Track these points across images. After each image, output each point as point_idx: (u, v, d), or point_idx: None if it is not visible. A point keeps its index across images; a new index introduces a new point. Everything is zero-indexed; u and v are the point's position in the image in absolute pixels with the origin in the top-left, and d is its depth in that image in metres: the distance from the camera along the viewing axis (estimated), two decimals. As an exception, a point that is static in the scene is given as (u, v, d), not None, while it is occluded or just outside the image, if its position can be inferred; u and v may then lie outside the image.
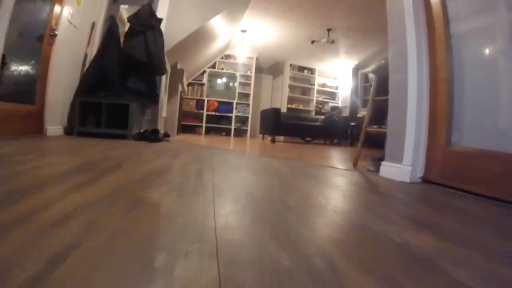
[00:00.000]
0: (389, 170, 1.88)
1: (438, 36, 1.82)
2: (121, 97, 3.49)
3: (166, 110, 4.91)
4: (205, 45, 5.82)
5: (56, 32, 3.09)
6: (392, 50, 2.01)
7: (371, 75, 8.29)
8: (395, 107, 1.92)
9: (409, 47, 1.87)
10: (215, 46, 6.52)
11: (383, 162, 1.95)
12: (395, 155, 1.86)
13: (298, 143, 6.72)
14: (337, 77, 9.12)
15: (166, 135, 3.62)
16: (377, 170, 2.15)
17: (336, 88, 9.24)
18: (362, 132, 2.36)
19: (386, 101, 2.57)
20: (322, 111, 8.64)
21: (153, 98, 3.88)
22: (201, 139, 4.99)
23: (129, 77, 3.69)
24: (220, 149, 3.12)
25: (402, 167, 1.79)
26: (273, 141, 5.86)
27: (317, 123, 6.99)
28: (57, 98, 3.24)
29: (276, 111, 6.06)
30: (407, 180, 1.76)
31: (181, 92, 5.99)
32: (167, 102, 4.87)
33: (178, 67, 5.03)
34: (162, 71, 3.78)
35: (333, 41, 5.92)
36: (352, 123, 7.00)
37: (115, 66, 3.60)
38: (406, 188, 1.58)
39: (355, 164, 2.37)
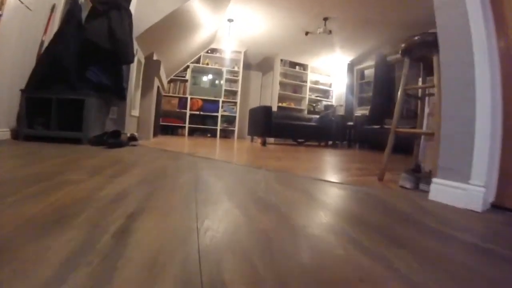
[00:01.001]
0: (447, 192, 1.24)
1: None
2: (77, 91, 2.79)
3: (140, 109, 4.21)
4: (186, 34, 5.12)
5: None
6: (443, 18, 1.38)
7: (367, 72, 7.76)
8: (453, 97, 1.29)
9: (471, 8, 1.25)
10: (198, 37, 5.83)
11: (434, 179, 1.32)
12: (456, 169, 1.23)
13: (290, 145, 6.09)
14: (331, 74, 8.53)
15: (132, 138, 2.92)
16: (415, 187, 1.53)
17: (330, 85, 8.65)
18: (390, 134, 1.73)
19: (421, 90, 1.97)
20: (316, 109, 8.03)
21: (119, 93, 3.18)
22: (181, 142, 4.29)
23: (89, 66, 2.99)
24: (199, 156, 2.45)
25: (470, 189, 1.17)
26: (263, 143, 5.21)
27: (312, 123, 6.37)
28: (1, 94, 2.52)
29: (267, 109, 5.39)
30: (478, 208, 1.13)
31: (159, 88, 5.31)
32: (140, 98, 4.17)
33: (154, 58, 4.34)
34: (129, 58, 3.08)
35: (330, 31, 5.31)
36: (350, 123, 6.41)
37: (72, 53, 2.89)
38: (488, 224, 0.96)
39: (381, 178, 1.74)
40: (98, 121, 2.96)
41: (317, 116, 6.74)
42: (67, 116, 2.79)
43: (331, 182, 1.58)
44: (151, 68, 4.30)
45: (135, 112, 3.99)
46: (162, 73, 5.17)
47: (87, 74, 2.93)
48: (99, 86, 3.02)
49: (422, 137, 1.87)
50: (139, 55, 3.91)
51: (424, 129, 1.89)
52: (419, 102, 1.89)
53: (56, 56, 2.82)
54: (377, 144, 5.57)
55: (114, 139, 2.51)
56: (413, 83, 1.89)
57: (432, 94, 1.77)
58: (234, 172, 1.70)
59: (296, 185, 1.41)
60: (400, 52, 1.73)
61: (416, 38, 1.68)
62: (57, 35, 2.92)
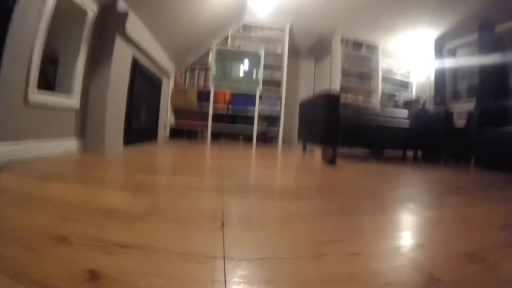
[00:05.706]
0: None
1: None
2: None
3: (88, 95, 2.19)
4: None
5: None
6: None
7: (461, 51, 5.09)
8: None
9: None
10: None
11: None
12: None
13: (364, 160, 3.69)
14: (409, 57, 5.97)
15: None
16: None
17: (408, 75, 6.07)
18: None
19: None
20: (397, 105, 5.54)
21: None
22: (165, 163, 2.18)
23: None
24: None
25: None
26: (331, 161, 2.88)
27: (395, 125, 3.90)
28: None
29: (333, 99, 3.04)
30: None
31: (137, 63, 3.32)
32: (83, 76, 2.14)
33: (118, 9, 2.30)
34: None
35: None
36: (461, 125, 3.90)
37: None
38: None
39: None
40: None
41: (405, 114, 4.30)
42: None
43: None
44: (109, 24, 2.27)
45: (68, 101, 1.97)
46: (151, 43, 3.16)
47: None
48: None
49: None
50: (79, 0, 1.91)
51: None
52: None
53: None
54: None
55: None
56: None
57: None
58: None
59: None
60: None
61: None
62: None
